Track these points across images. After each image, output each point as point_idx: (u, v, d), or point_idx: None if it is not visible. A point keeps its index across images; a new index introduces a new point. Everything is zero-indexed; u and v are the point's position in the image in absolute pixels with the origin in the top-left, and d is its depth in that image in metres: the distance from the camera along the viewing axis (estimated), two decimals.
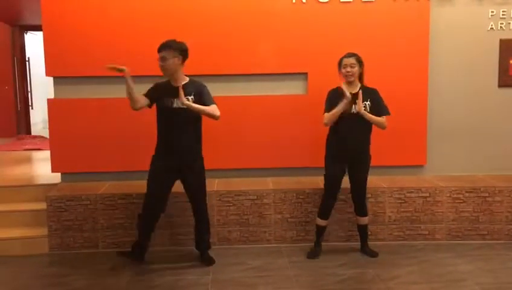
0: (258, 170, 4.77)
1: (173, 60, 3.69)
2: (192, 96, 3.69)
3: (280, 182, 4.57)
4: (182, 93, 3.57)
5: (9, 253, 4.18)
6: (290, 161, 4.76)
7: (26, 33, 9.80)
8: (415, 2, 4.65)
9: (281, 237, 4.39)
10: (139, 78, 4.60)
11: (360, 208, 4.07)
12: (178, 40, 3.75)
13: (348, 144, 3.91)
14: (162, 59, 3.69)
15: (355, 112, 3.82)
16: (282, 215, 4.37)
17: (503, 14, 4.75)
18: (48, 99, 4.70)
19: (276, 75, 4.72)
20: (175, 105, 3.67)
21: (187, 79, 3.80)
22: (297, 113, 4.69)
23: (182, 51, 3.73)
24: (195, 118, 3.76)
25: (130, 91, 3.66)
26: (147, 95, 3.79)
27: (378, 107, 3.91)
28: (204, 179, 3.90)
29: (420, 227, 4.41)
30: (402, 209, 4.40)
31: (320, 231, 4.12)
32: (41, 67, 5.02)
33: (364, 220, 4.10)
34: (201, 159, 3.87)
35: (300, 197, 4.37)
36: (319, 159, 4.55)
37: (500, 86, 4.85)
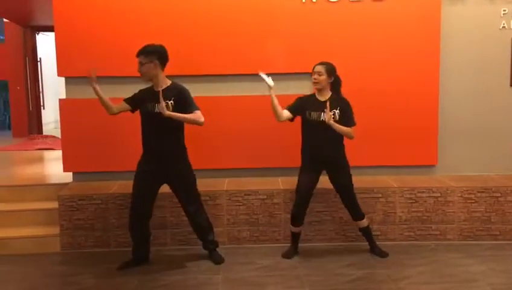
0: (268, 170, 4.77)
1: (149, 65, 3.65)
2: (171, 101, 3.63)
3: (290, 182, 4.56)
4: (162, 102, 3.54)
5: (21, 252, 4.22)
6: (299, 160, 4.73)
7: (37, 34, 9.90)
8: (425, 0, 4.62)
9: (290, 236, 4.38)
10: None
11: (354, 213, 4.03)
12: (156, 43, 3.75)
13: (319, 151, 3.90)
14: (139, 64, 3.68)
15: (324, 119, 3.75)
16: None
17: None
18: (60, 100, 4.74)
19: (285, 74, 4.71)
20: (156, 110, 3.62)
21: (168, 83, 3.76)
22: None
23: (160, 55, 3.69)
24: (177, 123, 3.70)
25: (98, 97, 3.73)
26: (127, 100, 3.83)
27: (345, 118, 3.82)
28: (193, 181, 3.86)
29: (431, 227, 4.39)
30: (413, 209, 4.38)
31: (295, 237, 4.11)
32: (52, 67, 5.08)
33: (362, 223, 4.06)
34: (186, 162, 3.83)
35: None
36: None
37: None
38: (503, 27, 4.73)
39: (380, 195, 4.34)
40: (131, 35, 4.60)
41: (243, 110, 4.60)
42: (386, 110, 4.67)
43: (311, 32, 4.64)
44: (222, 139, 4.71)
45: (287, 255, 4.08)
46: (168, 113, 3.55)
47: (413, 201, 4.37)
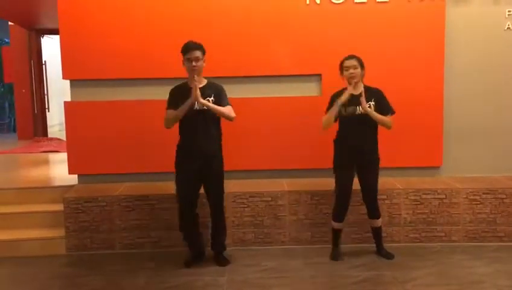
0: (273, 171, 4.78)
1: (202, 62, 3.73)
2: (212, 98, 3.73)
3: (295, 183, 4.57)
4: (198, 93, 3.61)
5: (28, 253, 4.24)
6: (305, 162, 4.76)
7: (42, 37, 9.93)
8: (430, 2, 4.62)
9: (296, 238, 4.38)
10: (156, 80, 4.68)
11: (373, 211, 4.04)
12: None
13: (355, 146, 3.89)
14: (196, 59, 3.68)
15: (360, 112, 3.80)
16: (297, 216, 4.37)
17: None
18: (65, 102, 4.76)
19: (290, 76, 4.73)
20: (196, 107, 3.68)
21: (205, 81, 3.83)
22: (312, 115, 4.66)
23: (205, 53, 3.77)
24: (216, 118, 3.79)
25: (181, 114, 3.69)
26: (172, 107, 3.76)
27: (383, 107, 3.88)
28: (223, 180, 3.92)
29: (436, 229, 4.38)
30: (418, 211, 4.37)
31: (336, 234, 4.10)
32: (57, 70, 5.09)
33: (377, 222, 4.07)
34: (221, 160, 3.89)
35: (315, 198, 4.36)
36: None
37: None
38: (507, 28, 4.72)
39: (385, 197, 4.34)
40: (136, 38, 4.63)
41: (246, 112, 4.60)
42: None
43: (315, 33, 4.65)
44: (226, 142, 4.70)
45: (336, 257, 4.05)
46: (204, 102, 3.62)
47: (418, 203, 4.36)
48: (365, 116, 3.80)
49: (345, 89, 3.90)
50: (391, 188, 4.38)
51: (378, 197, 4.27)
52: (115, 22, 4.63)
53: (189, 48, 3.67)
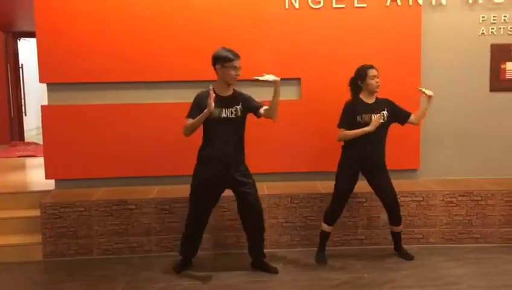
0: (253, 175, 4.76)
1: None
2: (240, 106, 3.70)
3: (274, 187, 4.58)
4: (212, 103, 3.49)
5: (4, 260, 4.16)
6: (284, 165, 4.78)
7: (19, 40, 9.79)
8: (407, 7, 4.69)
9: (275, 242, 4.39)
10: (134, 84, 4.66)
11: (394, 218, 4.05)
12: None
13: (367, 155, 3.91)
14: (238, 68, 3.65)
15: (383, 120, 3.87)
16: (276, 220, 4.38)
17: (493, 19, 4.80)
18: (42, 106, 4.70)
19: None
20: (223, 115, 3.63)
21: (232, 90, 3.77)
22: (291, 119, 4.71)
23: None
24: (242, 125, 3.76)
25: (198, 124, 3.60)
26: (193, 116, 3.61)
27: (400, 113, 4.04)
28: (254, 182, 3.86)
29: (414, 231, 4.44)
30: None
31: (324, 236, 4.11)
32: (34, 73, 5.03)
33: (398, 228, 4.11)
34: (246, 166, 3.84)
35: (295, 201, 4.38)
36: (313, 164, 4.58)
37: (491, 90, 4.90)
38: (482, 33, 4.82)
39: (364, 199, 4.38)
40: (113, 41, 4.59)
41: None
42: None
43: (295, 37, 4.68)
44: None
45: (323, 259, 4.08)
46: (276, 79, 3.65)
47: None
48: (380, 126, 3.85)
49: (358, 97, 3.95)
50: (370, 190, 4.41)
51: (357, 199, 4.33)
52: (92, 24, 4.58)
53: (234, 56, 3.63)
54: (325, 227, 4.07)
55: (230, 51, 3.66)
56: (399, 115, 4.02)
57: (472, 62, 4.86)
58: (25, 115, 9.80)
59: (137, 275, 3.88)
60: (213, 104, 3.46)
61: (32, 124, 10.79)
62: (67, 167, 4.67)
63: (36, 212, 4.31)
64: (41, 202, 4.28)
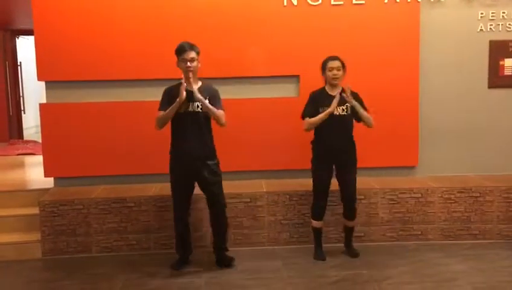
0: (251, 173, 4.79)
1: (198, 62, 3.71)
2: (207, 100, 3.69)
3: (273, 184, 4.59)
4: (196, 91, 3.61)
5: (3, 258, 4.17)
6: (283, 163, 4.78)
7: (17, 37, 9.77)
8: (405, 4, 4.68)
9: (274, 239, 4.40)
10: (133, 82, 4.66)
11: (350, 212, 4.08)
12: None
13: (334, 147, 3.94)
14: (192, 60, 3.66)
15: (338, 113, 3.88)
16: (275, 217, 4.39)
17: (492, 16, 4.79)
18: (40, 104, 4.70)
19: (268, 78, 4.74)
20: (190, 109, 3.67)
21: (200, 82, 3.79)
22: (290, 116, 4.69)
23: (199, 53, 3.76)
24: (208, 121, 3.78)
25: (170, 114, 3.65)
26: (164, 108, 3.70)
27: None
28: (221, 183, 3.87)
29: (412, 227, 4.44)
30: (394, 210, 4.43)
31: (317, 233, 4.13)
32: (33, 71, 5.02)
33: (352, 223, 4.13)
34: (216, 163, 3.85)
35: (294, 199, 4.39)
36: None
37: (490, 87, 4.90)
38: (480, 30, 4.82)
39: (363, 197, 4.38)
40: (112, 39, 4.59)
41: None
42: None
43: (293, 35, 4.67)
44: None
45: (321, 256, 4.08)
46: (199, 97, 3.60)
47: (395, 202, 4.42)
48: (343, 117, 3.90)
49: (323, 89, 3.98)
50: (368, 187, 4.44)
51: (357, 197, 4.32)
52: (90, 22, 4.57)
53: (184, 49, 3.64)
54: (314, 223, 4.10)
55: (182, 43, 3.67)
56: (359, 111, 3.93)
57: (470, 59, 4.85)
58: (24, 113, 9.79)
59: (136, 272, 3.89)
60: (184, 93, 3.53)
61: (31, 122, 10.78)
62: (66, 164, 4.67)
63: (35, 210, 4.31)
64: (40, 200, 4.29)
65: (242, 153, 4.75)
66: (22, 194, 4.69)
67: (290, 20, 4.67)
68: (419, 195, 4.43)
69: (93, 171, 4.69)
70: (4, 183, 5.10)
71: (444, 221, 4.45)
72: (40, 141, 4.87)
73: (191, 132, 3.71)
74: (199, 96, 3.62)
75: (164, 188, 4.51)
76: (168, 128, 3.78)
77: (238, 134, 4.70)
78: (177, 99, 3.57)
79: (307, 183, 4.52)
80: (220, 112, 3.73)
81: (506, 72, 4.88)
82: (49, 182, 4.76)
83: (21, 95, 9.72)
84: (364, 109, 3.96)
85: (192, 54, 3.65)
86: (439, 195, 4.43)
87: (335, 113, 3.87)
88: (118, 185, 4.66)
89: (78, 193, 4.42)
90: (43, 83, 4.72)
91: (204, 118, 3.73)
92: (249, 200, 4.37)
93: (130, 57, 4.58)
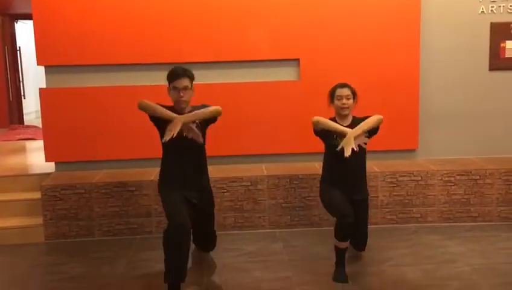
0: (252, 157, 4.80)
1: (192, 90, 3.31)
2: (197, 123, 3.32)
3: (274, 168, 4.60)
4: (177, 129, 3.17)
5: (6, 242, 4.20)
6: (284, 146, 4.79)
7: (16, 22, 9.71)
8: None
9: (275, 222, 4.43)
10: (133, 66, 4.64)
11: (361, 243, 3.75)
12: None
13: (346, 187, 3.51)
14: (185, 88, 3.21)
15: (348, 155, 3.32)
16: (276, 200, 4.41)
17: None
18: (40, 89, 4.69)
19: (268, 61, 4.72)
20: (184, 134, 3.25)
21: (190, 107, 3.35)
22: (290, 99, 4.71)
23: (193, 80, 3.34)
24: (201, 148, 3.42)
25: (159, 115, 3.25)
26: (160, 105, 3.30)
27: (374, 131, 3.56)
28: (213, 218, 3.70)
29: (412, 210, 4.47)
30: (394, 193, 4.45)
31: (340, 252, 3.44)
32: (32, 56, 5.00)
33: (360, 253, 3.79)
34: (211, 194, 3.62)
35: (294, 182, 4.40)
36: (312, 145, 4.57)
37: (491, 69, 4.88)
38: (481, 12, 4.78)
39: None
40: (112, 22, 4.56)
41: (224, 97, 4.60)
42: (366, 95, 4.68)
43: (293, 17, 4.64)
44: None
45: (343, 277, 3.38)
46: (178, 118, 3.16)
47: (395, 185, 4.44)
48: (358, 153, 3.39)
49: (333, 119, 3.55)
50: (368, 171, 4.37)
51: None
52: (90, 5, 4.54)
53: (176, 75, 3.19)
54: (339, 243, 3.42)
55: (175, 69, 3.23)
56: (373, 133, 3.56)
57: (471, 41, 4.83)
58: (24, 98, 9.78)
59: (138, 255, 3.93)
60: (177, 129, 3.12)
61: (32, 107, 10.78)
62: (67, 149, 4.68)
63: (37, 195, 4.33)
64: (41, 185, 4.31)
65: (242, 137, 4.76)
66: (23, 178, 4.70)
67: (290, 2, 4.63)
68: (419, 178, 4.44)
69: (94, 156, 4.71)
70: (6, 168, 5.11)
71: (444, 203, 4.47)
72: (40, 126, 4.87)
73: (185, 159, 3.36)
74: (189, 121, 3.20)
75: None
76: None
77: (238, 118, 4.70)
78: (168, 130, 3.15)
79: (307, 166, 4.56)
80: (209, 109, 3.31)
81: (508, 55, 4.86)
82: (51, 167, 4.78)
83: (21, 80, 9.69)
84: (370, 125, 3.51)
85: (186, 82, 3.21)
86: (439, 178, 4.45)
87: (346, 155, 3.32)
88: (119, 170, 4.68)
89: (80, 178, 4.44)
90: (42, 68, 4.71)
91: (197, 144, 3.35)
92: (249, 183, 4.38)
93: (131, 41, 4.56)
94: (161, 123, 3.26)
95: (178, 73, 3.21)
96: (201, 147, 3.41)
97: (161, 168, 3.49)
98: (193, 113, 3.27)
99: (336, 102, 3.53)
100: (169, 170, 3.41)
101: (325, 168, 3.68)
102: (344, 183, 3.52)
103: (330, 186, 3.58)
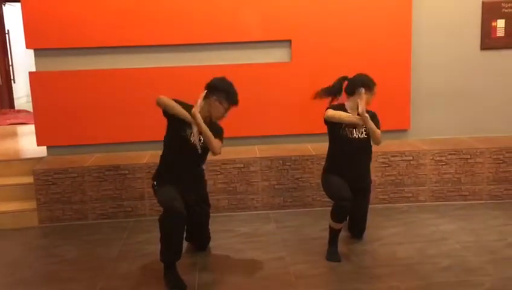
0: (245, 139, 4.80)
1: None
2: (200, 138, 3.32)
3: (266, 150, 4.62)
4: (197, 112, 3.20)
5: (1, 227, 4.21)
6: (276, 128, 4.80)
7: (4, 4, 9.55)
8: None
9: (268, 204, 4.46)
10: (124, 48, 4.61)
11: (359, 234, 3.79)
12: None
13: (351, 176, 3.53)
14: (228, 110, 3.40)
15: (357, 137, 3.48)
16: (269, 182, 4.43)
17: None
18: (30, 73, 4.65)
19: (259, 42, 4.70)
20: (191, 139, 3.29)
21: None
22: (282, 81, 4.70)
23: None
24: (203, 157, 3.45)
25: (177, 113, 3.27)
26: (179, 104, 3.31)
27: (375, 125, 3.49)
28: (209, 207, 3.68)
29: (404, 190, 4.51)
30: (386, 173, 4.48)
31: (335, 233, 3.51)
32: (21, 39, 4.94)
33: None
34: (206, 190, 3.66)
35: (287, 163, 4.42)
36: (304, 126, 4.60)
37: (482, 48, 4.89)
38: None
39: None
40: (101, 5, 4.51)
41: None
42: None
43: None
44: None
45: (337, 258, 3.44)
46: (196, 113, 3.19)
47: (387, 165, 4.47)
48: (363, 140, 3.50)
49: (343, 106, 3.56)
50: None
51: None
52: None
53: (235, 101, 3.38)
54: (334, 225, 3.47)
55: (236, 93, 3.39)
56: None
57: (463, 20, 4.83)
58: (14, 82, 9.67)
59: (132, 238, 3.95)
60: (199, 108, 3.19)
61: (22, 92, 10.67)
62: (59, 133, 4.66)
63: (29, 179, 4.33)
64: (34, 169, 4.30)
65: (235, 119, 4.72)
66: (16, 163, 4.69)
67: None
68: (411, 158, 4.48)
69: (86, 139, 4.70)
70: None
71: (435, 183, 4.52)
72: (31, 110, 4.84)
73: (187, 161, 3.37)
74: (198, 114, 3.20)
75: (158, 155, 4.51)
76: None
77: None
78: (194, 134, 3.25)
79: (299, 148, 4.57)
80: (215, 140, 3.33)
81: (499, 34, 4.86)
82: (43, 151, 4.76)
83: (10, 64, 9.57)
84: (378, 125, 3.53)
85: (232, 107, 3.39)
86: (431, 157, 4.49)
87: (354, 136, 3.48)
88: (112, 153, 4.67)
89: (72, 162, 4.43)
90: (32, 52, 4.65)
91: (200, 153, 3.37)
92: (242, 165, 4.40)
93: (121, 23, 4.52)
94: (175, 121, 3.31)
95: (237, 100, 3.39)
96: (203, 154, 3.43)
97: (160, 165, 3.48)
98: (206, 128, 3.27)
99: (370, 96, 3.53)
100: (168, 169, 3.42)
101: (328, 159, 3.68)
102: (349, 174, 3.53)
103: (333, 175, 3.59)
